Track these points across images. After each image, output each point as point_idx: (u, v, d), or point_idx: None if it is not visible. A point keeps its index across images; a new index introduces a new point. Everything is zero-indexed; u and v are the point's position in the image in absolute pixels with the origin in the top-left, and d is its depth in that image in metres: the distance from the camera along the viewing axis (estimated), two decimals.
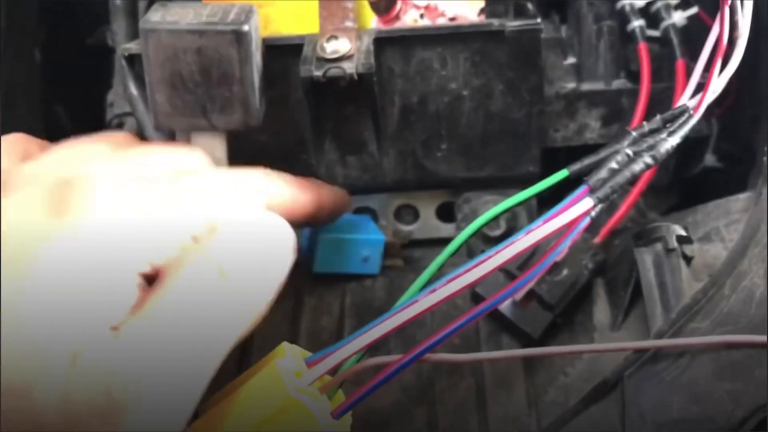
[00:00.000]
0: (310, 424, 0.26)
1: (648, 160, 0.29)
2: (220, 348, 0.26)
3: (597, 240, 0.38)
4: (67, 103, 0.52)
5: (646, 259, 0.33)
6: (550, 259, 0.29)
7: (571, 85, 0.41)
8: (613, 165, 0.29)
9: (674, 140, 0.29)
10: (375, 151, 0.40)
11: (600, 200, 0.28)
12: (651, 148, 0.29)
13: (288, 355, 0.27)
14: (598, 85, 0.41)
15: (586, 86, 0.41)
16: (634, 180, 0.29)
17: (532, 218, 0.42)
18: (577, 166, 0.30)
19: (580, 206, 0.28)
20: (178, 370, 0.24)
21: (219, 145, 0.36)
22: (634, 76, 0.41)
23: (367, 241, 0.41)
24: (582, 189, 0.29)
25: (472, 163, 0.40)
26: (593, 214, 0.29)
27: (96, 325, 0.24)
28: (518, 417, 0.34)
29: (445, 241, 0.31)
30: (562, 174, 0.30)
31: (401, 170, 0.41)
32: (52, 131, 0.43)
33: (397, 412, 0.37)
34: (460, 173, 0.41)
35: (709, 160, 0.47)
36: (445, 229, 0.44)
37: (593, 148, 0.31)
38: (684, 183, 0.47)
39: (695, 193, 0.44)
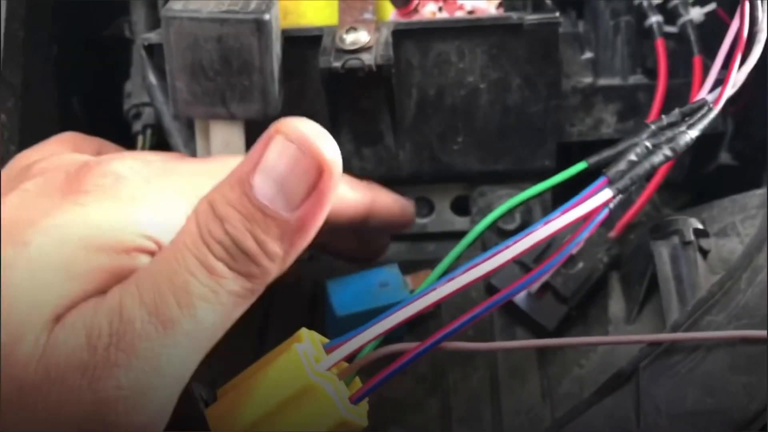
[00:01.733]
0: (329, 408, 0.26)
1: (667, 152, 0.29)
2: None
3: (612, 234, 0.38)
4: (82, 96, 0.52)
5: (662, 252, 0.33)
6: (567, 251, 0.29)
7: (587, 79, 0.41)
8: (632, 157, 0.29)
9: (693, 133, 0.29)
10: (391, 143, 0.40)
11: (619, 191, 0.28)
12: (670, 140, 0.29)
13: (306, 341, 0.28)
14: (615, 80, 0.42)
15: (603, 81, 0.42)
16: (652, 172, 0.29)
17: (546, 213, 0.42)
18: (595, 158, 0.30)
19: (598, 197, 0.28)
20: None
21: (237, 134, 0.37)
22: (651, 72, 0.42)
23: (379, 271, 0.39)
24: (601, 180, 0.29)
25: (488, 156, 0.40)
26: (611, 205, 0.29)
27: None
28: (532, 408, 0.35)
29: (459, 235, 0.31)
30: (580, 166, 0.30)
31: (417, 163, 0.41)
32: (68, 123, 0.43)
33: (411, 401, 0.37)
34: (476, 166, 0.41)
35: (724, 157, 0.47)
36: (459, 222, 0.44)
37: (609, 144, 0.31)
38: (698, 180, 0.47)
39: (709, 191, 0.44)
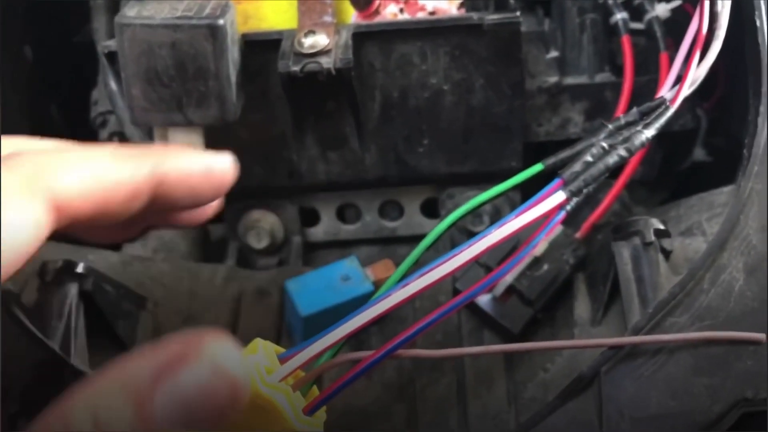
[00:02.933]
0: (281, 420, 0.25)
1: (622, 152, 0.28)
2: None
3: (579, 235, 0.38)
4: (59, 101, 0.52)
5: (623, 252, 0.33)
6: (525, 252, 0.28)
7: (553, 79, 0.41)
8: (588, 158, 0.28)
9: (649, 132, 0.29)
10: (357, 146, 0.40)
11: (573, 193, 0.28)
12: (626, 140, 0.29)
13: (260, 351, 0.27)
14: (582, 79, 0.41)
15: (570, 80, 0.41)
16: (607, 173, 0.28)
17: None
18: (551, 160, 0.30)
19: (552, 199, 0.28)
20: None
21: (196, 141, 0.36)
22: (619, 70, 0.41)
23: (354, 300, 0.37)
24: (555, 182, 0.28)
25: (454, 158, 0.40)
26: (568, 207, 0.28)
27: None
28: (498, 413, 0.34)
29: None
30: (536, 168, 0.30)
31: (383, 166, 0.41)
32: (41, 129, 0.43)
33: (377, 408, 0.36)
34: (442, 168, 0.40)
35: (699, 154, 0.47)
36: (429, 224, 0.44)
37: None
38: (674, 177, 0.47)
39: (685, 188, 0.44)
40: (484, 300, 0.36)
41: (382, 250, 0.45)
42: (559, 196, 0.27)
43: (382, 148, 0.40)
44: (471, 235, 0.41)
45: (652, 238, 0.32)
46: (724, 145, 0.46)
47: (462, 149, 0.40)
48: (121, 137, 0.43)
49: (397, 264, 0.42)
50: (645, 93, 0.40)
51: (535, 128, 0.41)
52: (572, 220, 0.39)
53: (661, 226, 0.33)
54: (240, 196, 0.42)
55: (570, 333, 0.36)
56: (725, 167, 0.45)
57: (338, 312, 0.37)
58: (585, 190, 0.28)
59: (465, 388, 0.36)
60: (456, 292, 0.38)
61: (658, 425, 0.30)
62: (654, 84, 0.40)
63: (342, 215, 0.44)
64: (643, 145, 0.29)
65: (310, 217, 0.44)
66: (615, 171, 0.42)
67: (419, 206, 0.43)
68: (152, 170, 0.25)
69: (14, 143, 0.27)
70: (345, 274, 0.38)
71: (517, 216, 0.28)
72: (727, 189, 0.36)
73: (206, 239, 0.46)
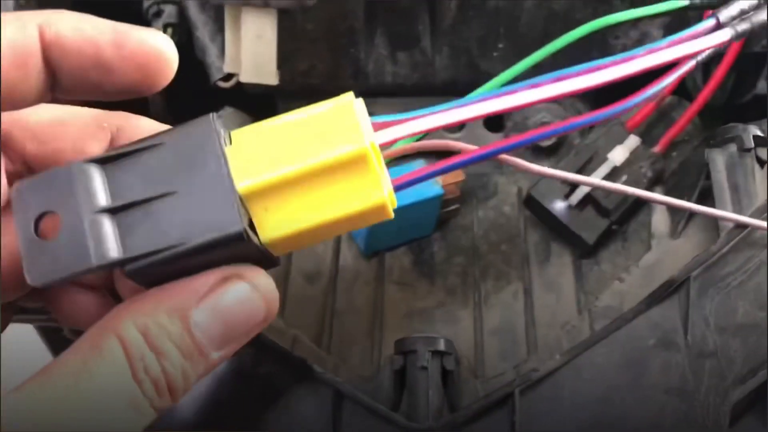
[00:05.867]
0: (373, 185, 0.21)
1: None
2: None
3: (657, 149, 0.37)
4: None
5: (718, 159, 0.32)
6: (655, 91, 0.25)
7: None
8: (744, 5, 0.26)
9: None
10: (428, 47, 0.38)
11: (738, 35, 0.25)
12: None
13: (359, 103, 0.22)
14: None
15: None
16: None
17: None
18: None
19: (717, 36, 0.25)
20: None
21: (269, 24, 0.35)
22: None
23: (423, 203, 0.36)
24: (710, 22, 0.26)
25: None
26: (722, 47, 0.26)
27: None
28: (568, 321, 0.33)
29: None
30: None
31: (453, 69, 0.39)
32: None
33: (442, 312, 0.36)
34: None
35: (762, 87, 0.46)
36: (492, 138, 0.42)
37: None
38: (734, 108, 0.46)
39: (743, 120, 0.43)
40: (558, 207, 0.35)
41: None
42: (724, 34, 0.25)
43: (454, 49, 0.38)
44: (538, 149, 0.40)
45: (752, 144, 0.31)
46: None
47: None
48: (177, 28, 0.41)
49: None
50: None
51: (612, 41, 0.40)
52: (648, 136, 0.38)
53: (760, 133, 0.32)
54: (299, 96, 0.41)
55: (646, 245, 0.35)
56: None
57: (404, 214, 0.36)
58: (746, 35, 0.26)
59: (532, 296, 0.35)
60: (530, 202, 0.36)
61: (743, 335, 0.29)
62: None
63: None
64: None
65: None
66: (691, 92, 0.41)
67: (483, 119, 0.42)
68: (40, 29, 0.21)
69: None
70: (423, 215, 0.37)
71: (670, 45, 0.24)
72: None
73: None
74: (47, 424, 0.19)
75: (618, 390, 0.29)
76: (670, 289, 0.30)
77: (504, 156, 0.25)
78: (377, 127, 0.22)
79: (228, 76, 0.38)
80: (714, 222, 0.32)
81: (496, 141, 0.23)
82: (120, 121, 0.24)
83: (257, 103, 0.43)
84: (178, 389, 0.21)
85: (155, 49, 0.22)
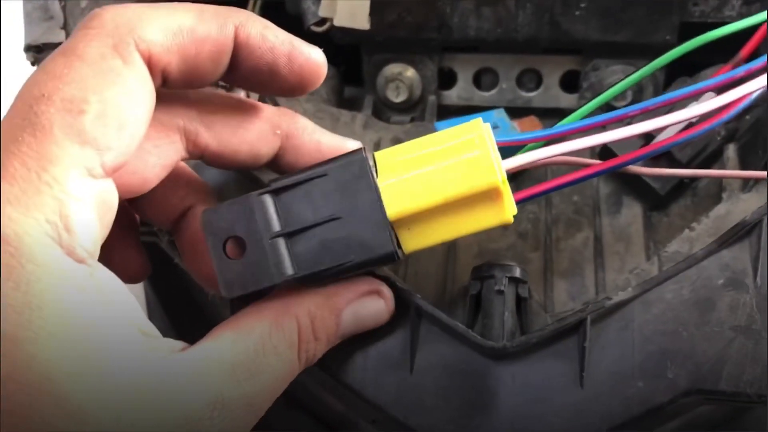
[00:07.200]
0: (502, 211, 0.26)
1: None
2: None
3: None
4: None
5: None
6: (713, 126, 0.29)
7: None
8: None
9: None
10: (512, 3, 0.40)
11: None
12: None
13: (486, 131, 0.26)
14: None
15: None
16: None
17: (657, 92, 0.42)
18: None
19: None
20: None
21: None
22: None
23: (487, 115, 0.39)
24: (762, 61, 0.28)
25: (609, 25, 0.40)
26: None
27: None
28: (637, 266, 0.35)
29: (563, 113, 0.30)
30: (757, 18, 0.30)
31: (535, 26, 0.41)
32: None
33: (513, 254, 0.37)
34: (595, 35, 0.40)
35: None
36: (566, 99, 0.44)
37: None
38: None
39: None
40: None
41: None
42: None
43: (538, 6, 0.40)
44: (611, 108, 0.41)
45: None
46: None
47: (618, 17, 0.40)
48: None
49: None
50: None
51: (690, 7, 0.41)
52: None
53: None
54: (384, 48, 0.43)
55: (715, 201, 0.36)
56: None
57: None
58: None
59: (602, 243, 0.37)
60: (605, 153, 0.38)
61: None
62: None
63: (478, 81, 0.45)
64: None
65: (446, 80, 0.45)
66: None
67: (559, 78, 0.44)
68: (237, 29, 0.25)
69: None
70: (493, 123, 0.38)
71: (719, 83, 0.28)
72: None
73: (341, 95, 0.47)
74: (241, 368, 0.24)
75: (686, 325, 0.30)
76: (741, 231, 0.31)
77: (633, 167, 0.29)
78: (501, 146, 0.26)
79: (322, 21, 0.40)
80: None
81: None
82: (288, 125, 0.28)
83: (341, 57, 0.45)
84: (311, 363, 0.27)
85: (317, 65, 0.26)
